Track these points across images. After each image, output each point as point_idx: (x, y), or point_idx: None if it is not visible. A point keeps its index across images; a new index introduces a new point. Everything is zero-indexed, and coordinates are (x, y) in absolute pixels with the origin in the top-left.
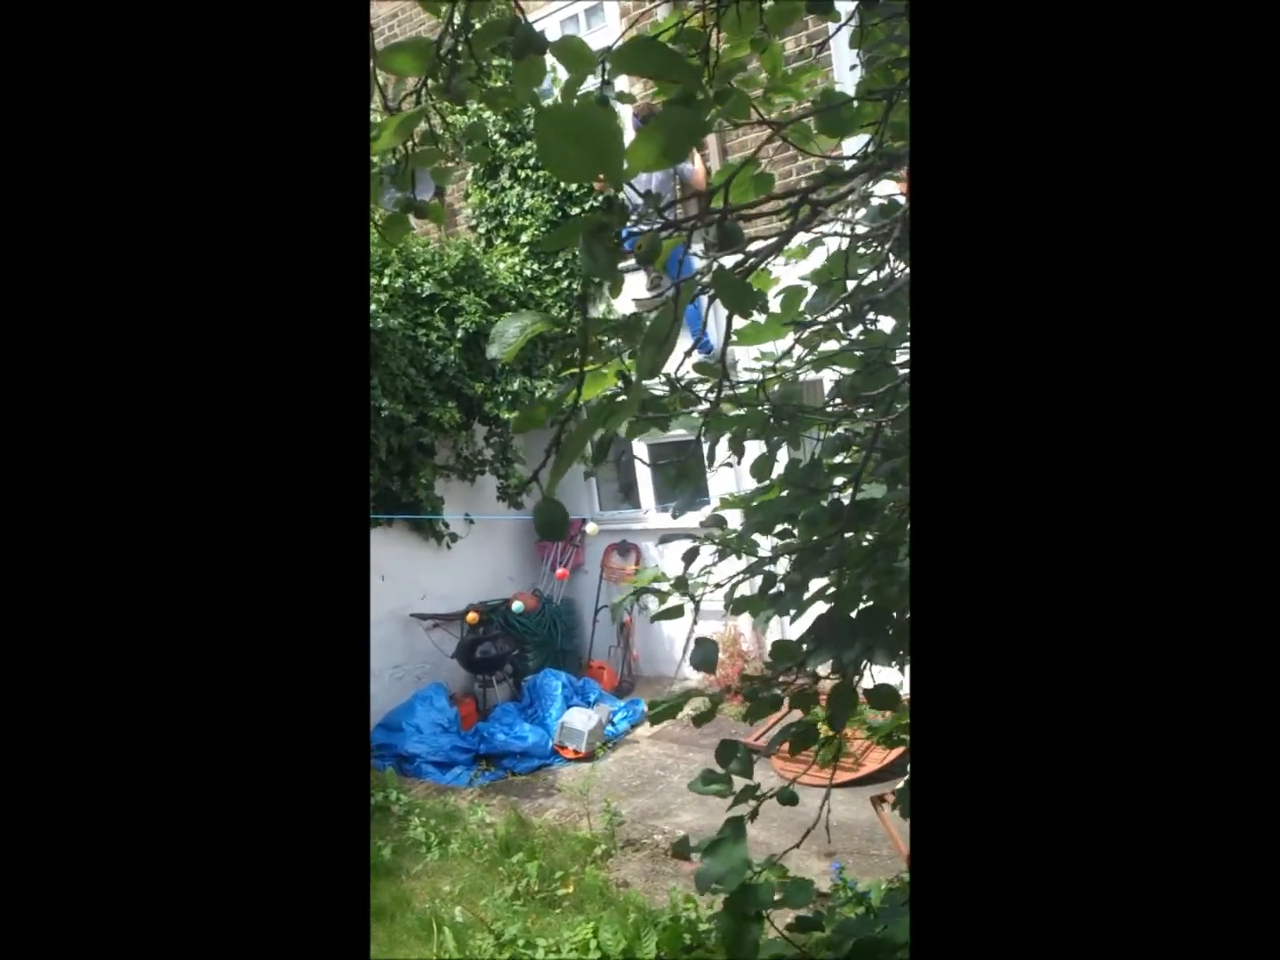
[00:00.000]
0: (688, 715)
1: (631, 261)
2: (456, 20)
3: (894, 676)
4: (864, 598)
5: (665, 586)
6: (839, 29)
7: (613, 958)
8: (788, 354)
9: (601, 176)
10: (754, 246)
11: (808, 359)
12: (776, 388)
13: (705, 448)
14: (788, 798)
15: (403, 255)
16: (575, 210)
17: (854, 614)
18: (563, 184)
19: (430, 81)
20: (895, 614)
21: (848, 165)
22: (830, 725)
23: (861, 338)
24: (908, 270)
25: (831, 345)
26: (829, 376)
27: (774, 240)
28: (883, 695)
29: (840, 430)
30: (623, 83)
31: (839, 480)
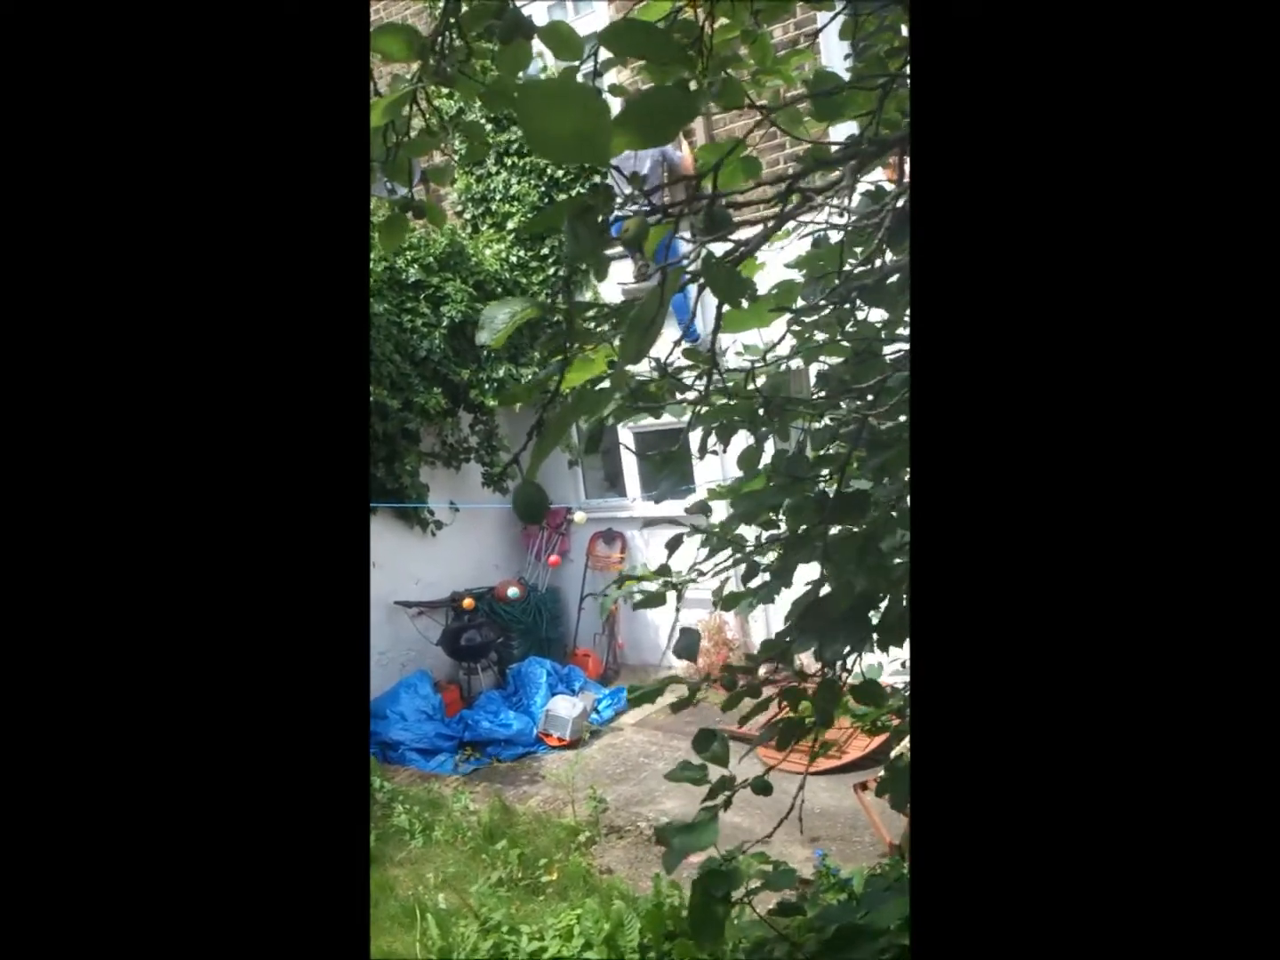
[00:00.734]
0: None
1: (619, 248)
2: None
3: (877, 658)
4: (849, 591)
5: (649, 574)
6: (832, 19)
7: (596, 944)
8: (773, 347)
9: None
10: (743, 234)
11: (796, 350)
12: (763, 379)
13: (693, 436)
14: (761, 787)
15: None
16: (562, 197)
17: (838, 606)
18: (549, 170)
19: (418, 64)
20: (880, 606)
21: (835, 151)
22: (816, 721)
23: (851, 328)
24: (896, 258)
25: (820, 336)
26: (815, 366)
27: (762, 230)
28: (868, 691)
29: (827, 421)
30: (613, 76)
31: (825, 471)
